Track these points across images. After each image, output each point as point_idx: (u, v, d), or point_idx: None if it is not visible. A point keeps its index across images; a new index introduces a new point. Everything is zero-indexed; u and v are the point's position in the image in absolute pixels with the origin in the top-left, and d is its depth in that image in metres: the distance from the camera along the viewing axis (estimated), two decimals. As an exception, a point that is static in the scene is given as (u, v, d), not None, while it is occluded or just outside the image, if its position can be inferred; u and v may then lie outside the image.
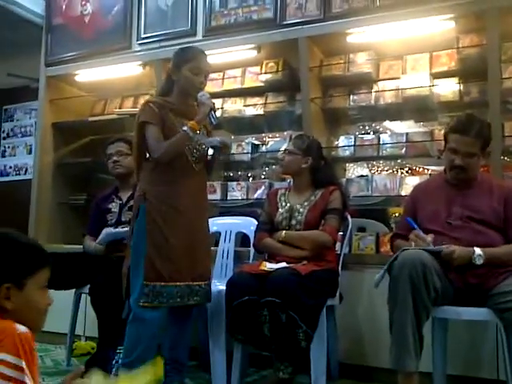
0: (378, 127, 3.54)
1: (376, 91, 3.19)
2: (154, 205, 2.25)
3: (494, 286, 2.00)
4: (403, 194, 2.92)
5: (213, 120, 2.32)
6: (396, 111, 3.29)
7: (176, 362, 2.34)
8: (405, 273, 1.94)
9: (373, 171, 3.58)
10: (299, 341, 2.20)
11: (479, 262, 2.04)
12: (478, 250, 2.04)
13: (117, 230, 2.73)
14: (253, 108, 3.49)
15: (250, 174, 3.77)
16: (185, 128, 2.24)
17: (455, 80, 3.05)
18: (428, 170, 3.50)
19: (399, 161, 3.46)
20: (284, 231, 2.53)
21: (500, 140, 2.72)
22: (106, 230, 2.73)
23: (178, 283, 2.22)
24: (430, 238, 2.09)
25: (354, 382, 2.60)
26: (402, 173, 3.42)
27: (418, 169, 3.62)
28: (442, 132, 2.73)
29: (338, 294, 2.51)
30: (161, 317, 2.20)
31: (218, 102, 3.55)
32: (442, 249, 2.04)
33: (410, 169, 3.53)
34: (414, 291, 1.92)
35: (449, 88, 3.06)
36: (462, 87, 3.03)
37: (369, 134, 3.38)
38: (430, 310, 1.97)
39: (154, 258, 2.20)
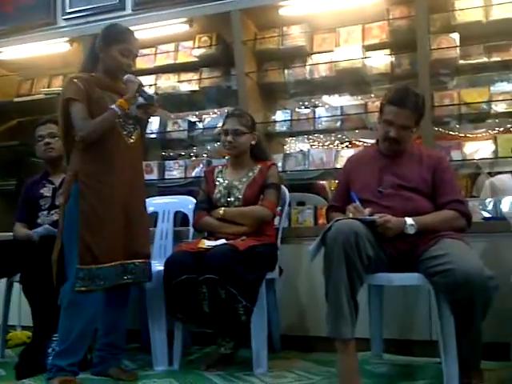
0: (314, 101, 3.56)
1: (310, 64, 3.20)
2: (87, 184, 2.18)
3: (423, 251, 2.06)
4: (339, 166, 2.96)
5: (145, 96, 2.25)
6: (331, 85, 3.31)
7: (112, 347, 2.30)
8: (338, 242, 1.96)
9: (310, 145, 3.61)
10: (239, 315, 2.22)
11: (411, 231, 2.08)
12: (409, 220, 2.09)
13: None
14: (187, 84, 3.42)
15: (187, 152, 3.71)
16: (113, 106, 2.16)
17: (387, 52, 3.10)
18: (364, 142, 3.57)
19: (334, 134, 3.50)
20: (222, 208, 2.51)
21: (430, 110, 2.79)
22: (47, 227, 2.60)
23: (113, 263, 2.17)
24: (367, 211, 2.13)
25: (296, 352, 2.65)
26: (338, 146, 3.46)
27: (354, 141, 3.69)
28: (376, 104, 2.78)
29: (277, 267, 2.53)
30: (97, 300, 2.15)
31: (150, 79, 3.47)
32: (375, 219, 2.08)
33: (346, 142, 3.59)
34: (347, 260, 1.95)
35: (381, 60, 3.11)
36: (393, 59, 3.08)
37: (305, 108, 3.39)
38: (363, 277, 2.01)
39: (88, 240, 2.14)
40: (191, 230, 2.72)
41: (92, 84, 2.23)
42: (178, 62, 3.41)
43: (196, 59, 3.38)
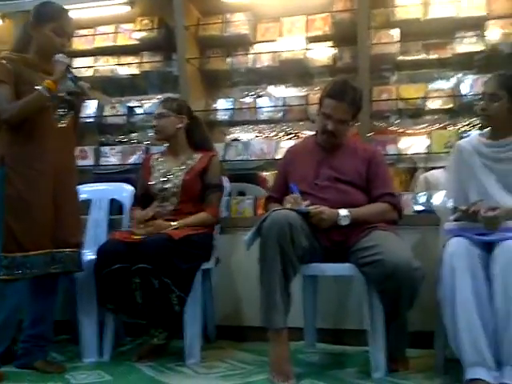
0: (258, 91, 3.54)
1: (253, 53, 3.18)
2: (14, 168, 2.08)
3: (355, 242, 2.10)
4: (279, 157, 2.96)
5: (72, 78, 2.16)
6: (274, 75, 3.31)
7: (39, 338, 2.21)
8: (273, 233, 1.97)
9: (251, 135, 3.59)
10: (172, 305, 2.19)
11: (345, 222, 2.12)
12: (343, 212, 2.12)
13: None
14: (127, 68, 3.33)
15: (128, 139, 3.61)
16: (39, 87, 2.06)
17: (329, 44, 3.12)
18: (308, 134, 3.58)
19: (277, 125, 3.49)
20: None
21: (368, 105, 2.84)
22: None
23: (40, 251, 2.08)
24: (305, 204, 2.14)
25: (231, 342, 2.64)
26: (279, 137, 3.46)
27: (296, 133, 3.68)
28: (318, 96, 2.79)
29: (213, 257, 2.51)
30: (21, 290, 2.05)
31: (88, 61, 3.34)
32: (309, 209, 2.09)
33: (290, 133, 3.59)
34: (281, 250, 1.96)
35: (323, 52, 3.13)
36: (335, 52, 3.11)
37: (248, 97, 3.37)
38: (297, 267, 2.02)
39: (13, 227, 2.05)
40: (126, 218, 2.65)
41: (22, 65, 2.13)
42: (117, 44, 3.31)
43: (136, 42, 3.30)
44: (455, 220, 2.05)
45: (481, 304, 1.84)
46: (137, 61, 3.30)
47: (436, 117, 3.24)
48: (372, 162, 2.28)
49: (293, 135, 3.41)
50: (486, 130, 2.20)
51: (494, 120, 2.10)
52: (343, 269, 2.11)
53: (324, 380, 2.03)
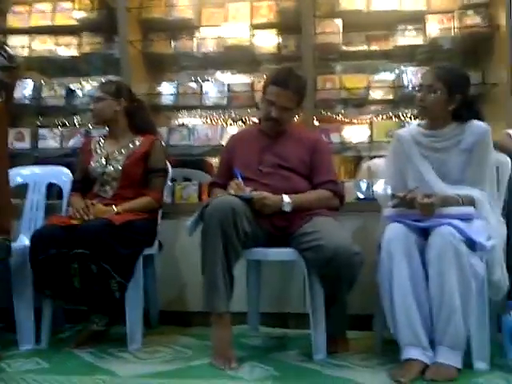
0: (205, 76, 3.51)
1: (198, 38, 3.14)
2: None
3: (298, 228, 2.13)
4: (224, 143, 2.95)
5: (5, 56, 2.06)
6: (219, 60, 3.28)
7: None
8: (215, 218, 1.97)
9: (198, 121, 3.56)
10: (113, 291, 2.15)
11: (288, 208, 2.15)
12: (286, 198, 2.14)
13: None
14: (66, 48, 3.20)
15: (69, 121, 3.48)
16: None
17: (274, 32, 3.12)
18: (250, 120, 3.59)
19: (223, 111, 3.47)
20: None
21: (313, 93, 2.87)
22: None
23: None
24: (248, 189, 2.14)
25: (175, 327, 2.63)
26: (224, 123, 3.44)
27: (242, 119, 3.68)
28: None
29: (156, 242, 2.48)
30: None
31: (24, 40, 3.20)
32: (252, 195, 2.10)
33: (234, 119, 3.58)
34: (223, 235, 1.96)
35: (268, 40, 3.13)
36: (280, 40, 3.12)
37: (193, 82, 3.33)
38: (239, 252, 2.03)
39: None
40: (65, 202, 2.57)
41: None
42: (55, 23, 3.18)
43: (76, 22, 3.18)
44: (393, 206, 2.11)
45: (416, 287, 1.92)
46: (76, 42, 3.18)
47: (378, 107, 3.33)
48: (315, 150, 2.31)
49: (239, 121, 3.41)
50: (424, 120, 2.28)
51: (430, 111, 2.17)
52: (285, 254, 2.14)
53: (266, 363, 2.05)
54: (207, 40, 3.14)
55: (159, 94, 3.18)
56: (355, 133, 3.09)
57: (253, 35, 3.10)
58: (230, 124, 3.49)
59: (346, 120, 3.47)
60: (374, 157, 3.47)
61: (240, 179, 2.17)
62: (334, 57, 3.22)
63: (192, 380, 1.87)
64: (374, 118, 3.22)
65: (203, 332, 2.43)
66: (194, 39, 3.16)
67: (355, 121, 3.49)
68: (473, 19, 2.87)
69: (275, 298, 2.66)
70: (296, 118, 2.84)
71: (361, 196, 2.79)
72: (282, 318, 2.66)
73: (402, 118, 3.30)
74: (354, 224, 2.60)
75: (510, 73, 2.61)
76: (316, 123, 3.07)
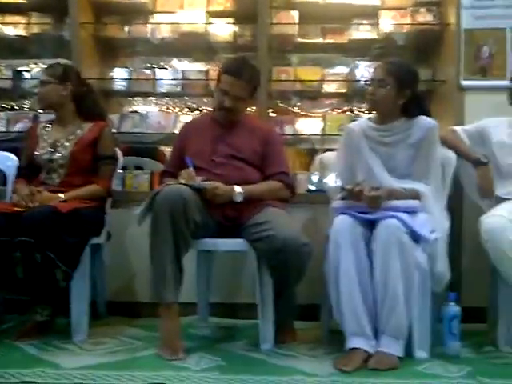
0: (159, 62, 3.44)
1: (152, 23, 3.08)
2: None
3: (249, 218, 2.14)
4: (177, 132, 2.91)
5: None
6: (174, 47, 3.23)
7: None
8: (165, 207, 1.95)
9: (151, 108, 3.50)
10: (57, 281, 2.09)
11: (239, 199, 2.14)
12: (237, 189, 2.14)
13: None
14: (13, 28, 3.07)
15: (18, 105, 3.35)
16: None
17: (230, 21, 3.10)
18: (205, 109, 3.55)
19: (177, 99, 3.42)
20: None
21: (267, 84, 2.87)
22: None
23: None
24: (199, 179, 2.12)
25: (123, 318, 2.59)
26: (178, 111, 3.39)
27: (197, 108, 3.63)
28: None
29: (104, 232, 2.43)
30: None
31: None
32: (204, 185, 2.09)
33: (189, 107, 3.53)
34: (173, 225, 1.95)
35: (224, 28, 3.10)
36: (236, 29, 3.10)
37: (147, 68, 3.27)
38: (189, 242, 2.02)
39: None
40: (9, 189, 2.48)
41: None
42: (2, 1, 3.04)
43: (24, 1, 3.05)
44: (342, 199, 2.15)
45: (362, 278, 1.96)
46: (24, 21, 3.06)
47: (333, 100, 3.36)
48: (268, 141, 2.32)
49: (194, 110, 3.37)
50: (374, 114, 2.32)
51: (380, 105, 2.21)
52: (235, 244, 2.14)
53: (213, 353, 2.06)
54: (162, 26, 3.08)
55: (111, 79, 3.11)
56: (309, 125, 3.13)
57: (209, 23, 3.07)
58: (185, 112, 3.45)
59: (302, 112, 3.48)
60: (328, 150, 3.51)
61: (191, 168, 2.15)
62: (289, 48, 3.22)
63: (137, 371, 1.85)
64: (328, 111, 3.24)
65: (152, 323, 2.39)
66: (149, 25, 3.09)
67: (310, 113, 3.51)
68: (425, 17, 2.94)
69: (226, 289, 2.67)
70: (250, 109, 2.85)
71: (312, 188, 2.82)
72: (233, 308, 2.67)
73: (356, 112, 3.34)
74: (305, 215, 2.63)
75: (458, 71, 2.68)
76: (272, 114, 3.08)
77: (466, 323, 2.21)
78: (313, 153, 3.68)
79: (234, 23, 3.10)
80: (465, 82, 2.67)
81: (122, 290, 2.69)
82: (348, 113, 3.23)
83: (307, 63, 3.22)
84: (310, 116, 3.23)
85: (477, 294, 2.43)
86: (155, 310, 2.07)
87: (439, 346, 2.06)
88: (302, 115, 3.27)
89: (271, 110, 3.17)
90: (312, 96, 3.26)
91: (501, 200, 2.22)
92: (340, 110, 3.27)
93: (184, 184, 2.05)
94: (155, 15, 3.11)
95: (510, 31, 2.65)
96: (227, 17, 3.09)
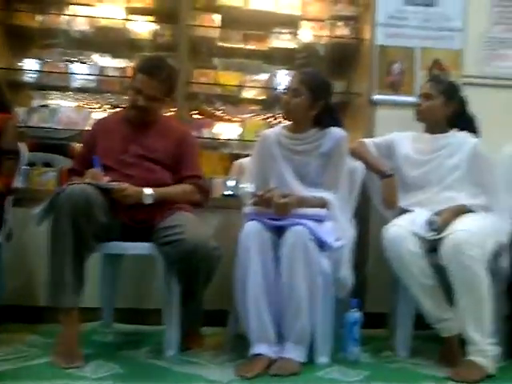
0: (75, 56, 3.29)
1: (68, 15, 2.95)
2: None
3: (159, 221, 2.09)
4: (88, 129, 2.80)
5: None
6: (91, 41, 3.11)
7: None
8: (67, 207, 1.86)
9: (65, 103, 3.34)
10: None
11: (149, 201, 2.09)
12: (147, 191, 2.09)
13: None
14: None
15: None
16: None
17: (151, 19, 3.03)
18: (121, 106, 3.45)
19: (92, 94, 3.29)
20: None
21: (186, 86, 2.84)
22: None
23: None
24: (106, 178, 2.05)
25: (22, 324, 2.44)
26: (93, 107, 3.27)
27: (112, 105, 3.51)
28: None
29: (4, 231, 2.28)
30: None
31: None
32: (112, 186, 2.02)
33: (104, 104, 3.41)
34: (75, 226, 1.87)
35: (144, 26, 3.03)
36: (157, 27, 3.03)
37: (61, 62, 3.12)
38: (92, 245, 1.95)
39: None
40: None
41: None
42: None
43: None
44: (253, 204, 2.16)
45: (268, 284, 1.98)
46: None
47: (255, 106, 3.37)
48: (182, 143, 2.28)
49: (114, 107, 3.25)
50: (289, 122, 2.35)
51: (294, 114, 2.25)
52: (143, 248, 2.08)
53: (115, 360, 1.99)
54: (79, 18, 2.96)
55: (20, 70, 2.94)
56: (227, 130, 3.12)
57: (128, 19, 2.99)
58: (104, 109, 3.33)
59: (222, 116, 3.48)
60: (248, 155, 3.53)
61: (98, 168, 2.07)
62: (210, 51, 3.20)
63: (28, 381, 1.74)
64: (248, 117, 3.26)
65: (54, 329, 2.27)
66: (65, 16, 2.95)
67: (233, 118, 3.51)
68: (342, 30, 3.02)
69: (133, 294, 2.60)
70: (168, 110, 2.80)
71: (228, 193, 2.81)
72: (140, 314, 2.59)
73: (276, 120, 3.38)
74: (220, 220, 2.62)
75: (370, 85, 2.78)
76: (190, 117, 3.05)
77: (369, 329, 2.30)
78: (234, 157, 3.69)
79: (154, 21, 3.03)
80: (376, 97, 2.77)
81: (23, 293, 2.54)
82: (269, 119, 3.27)
83: (230, 68, 3.21)
84: (231, 120, 3.22)
85: (380, 301, 2.53)
86: (57, 314, 1.97)
87: (341, 351, 2.12)
88: (222, 119, 3.26)
89: (196, 112, 3.15)
90: (232, 101, 3.27)
91: (404, 211, 2.32)
92: (262, 117, 3.30)
93: (89, 184, 1.97)
94: (71, 6, 2.98)
95: (420, 51, 2.79)
96: (147, 14, 3.03)
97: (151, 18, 3.03)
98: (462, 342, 2.06)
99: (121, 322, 2.51)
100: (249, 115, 3.29)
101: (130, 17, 3.01)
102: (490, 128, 2.51)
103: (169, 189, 2.19)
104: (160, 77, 2.18)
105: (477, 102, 2.56)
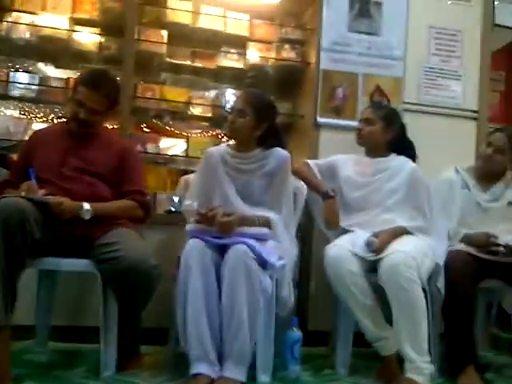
0: (15, 64, 3.18)
1: (9, 22, 2.85)
2: None
3: (98, 238, 2.04)
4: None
5: None
6: (33, 50, 3.01)
7: None
8: (-2, 221, 1.78)
9: (4, 112, 3.21)
10: None
11: (87, 216, 2.03)
12: (86, 205, 2.03)
13: None
14: None
15: None
16: None
17: (96, 31, 2.98)
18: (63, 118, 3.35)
19: (33, 104, 3.18)
20: None
21: (131, 100, 2.80)
22: None
23: None
24: (42, 191, 1.98)
25: None
26: (33, 117, 3.16)
27: (53, 116, 3.41)
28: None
29: None
30: None
31: None
32: (47, 199, 1.95)
33: (43, 114, 3.29)
34: (6, 240, 1.78)
35: (89, 38, 2.98)
36: (102, 40, 2.99)
37: (2, 69, 2.99)
38: (24, 260, 1.86)
39: None
40: None
41: None
42: None
43: None
44: (197, 222, 2.14)
45: (209, 303, 1.96)
46: None
47: (199, 122, 3.37)
48: (125, 158, 2.24)
49: (58, 117, 3.15)
50: (233, 141, 2.37)
51: (239, 134, 2.26)
52: (79, 264, 2.02)
53: (47, 381, 1.92)
54: (21, 26, 2.87)
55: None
56: (173, 146, 3.10)
57: (73, 30, 2.93)
58: (46, 120, 3.22)
59: (170, 131, 3.45)
60: (194, 171, 3.51)
61: (33, 180, 2.00)
62: (159, 66, 3.18)
63: None
64: (195, 134, 3.24)
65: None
66: (5, 22, 2.86)
67: (181, 134, 3.49)
68: (288, 53, 3.09)
69: (71, 311, 2.51)
70: (112, 123, 2.76)
71: (172, 209, 2.78)
72: (77, 332, 2.50)
73: (222, 137, 3.38)
74: (163, 236, 2.59)
75: (315, 108, 2.85)
76: (140, 130, 3.01)
77: (312, 347, 2.32)
78: (182, 173, 3.67)
79: (100, 34, 2.98)
80: (320, 119, 2.84)
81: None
82: (217, 137, 3.27)
83: (178, 84, 3.20)
84: (177, 136, 3.20)
85: (323, 319, 2.57)
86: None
87: (282, 370, 2.12)
88: (169, 134, 3.24)
89: (145, 126, 3.11)
90: (180, 117, 3.25)
91: (346, 231, 2.37)
92: (210, 134, 3.30)
93: (23, 197, 1.89)
94: (13, 13, 2.88)
95: (362, 77, 2.89)
96: (93, 26, 2.98)
97: (97, 30, 2.98)
98: (400, 360, 2.12)
99: (56, 340, 2.41)
100: (197, 131, 3.29)
101: (75, 28, 2.94)
102: (427, 153, 2.64)
103: (109, 204, 2.14)
104: (103, 90, 2.15)
105: (415, 128, 2.69)
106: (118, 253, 1.92)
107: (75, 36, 2.94)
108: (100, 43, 2.97)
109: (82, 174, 2.13)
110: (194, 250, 1.98)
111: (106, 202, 2.13)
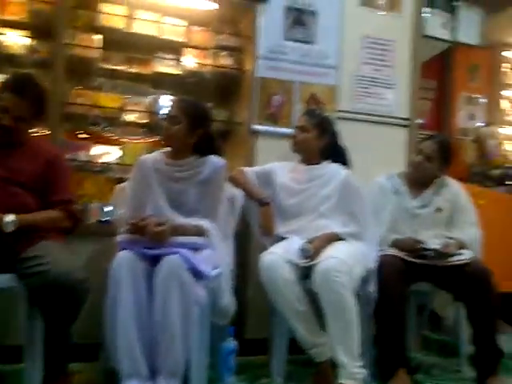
0: None
1: None
2: None
3: (22, 251, 1.94)
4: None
5: None
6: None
7: None
8: None
9: None
10: None
11: (10, 228, 1.93)
12: (8, 217, 1.93)
13: None
14: None
15: None
16: None
17: (25, 33, 2.85)
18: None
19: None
20: None
21: (61, 106, 2.70)
22: None
23: None
24: None
25: None
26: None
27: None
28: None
29: None
30: None
31: None
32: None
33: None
34: None
35: (18, 40, 2.85)
36: (32, 43, 2.86)
37: None
38: None
39: None
40: None
41: None
42: None
43: None
44: (128, 232, 2.08)
45: (140, 315, 1.91)
46: None
47: (132, 129, 3.28)
48: (52, 166, 2.15)
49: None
50: (167, 148, 2.32)
51: (173, 141, 2.23)
52: (3, 280, 1.91)
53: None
54: None
55: None
56: (105, 153, 3.01)
57: (0, 33, 2.79)
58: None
59: (105, 138, 3.35)
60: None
61: None
62: (92, 72, 3.08)
63: None
64: (128, 140, 3.16)
65: None
66: None
67: (115, 140, 3.40)
68: (225, 60, 3.06)
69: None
70: (41, 131, 2.64)
71: (103, 219, 2.70)
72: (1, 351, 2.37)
73: (157, 144, 3.32)
74: (94, 247, 2.51)
75: (251, 115, 2.85)
76: (75, 137, 2.90)
77: (250, 356, 2.30)
78: (118, 181, 3.57)
79: (29, 37, 2.86)
80: (257, 127, 2.84)
81: None
82: (152, 144, 3.19)
83: (113, 90, 3.11)
84: (113, 143, 3.11)
85: (261, 327, 2.55)
86: None
87: (217, 381, 2.09)
88: (104, 142, 3.14)
89: (82, 132, 2.99)
90: (115, 123, 3.16)
91: (281, 238, 2.38)
92: (148, 140, 3.22)
93: None
94: None
95: (298, 85, 2.92)
96: (22, 29, 2.84)
97: (26, 33, 2.85)
98: (334, 366, 2.13)
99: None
100: (134, 138, 3.21)
101: (3, 30, 2.80)
102: (361, 160, 2.70)
103: (34, 215, 2.04)
104: (28, 96, 2.06)
105: (349, 135, 2.74)
106: (43, 267, 1.83)
107: (3, 38, 2.80)
108: (30, 46, 2.84)
109: (6, 184, 2.02)
110: (124, 263, 1.92)
111: (31, 213, 2.03)
